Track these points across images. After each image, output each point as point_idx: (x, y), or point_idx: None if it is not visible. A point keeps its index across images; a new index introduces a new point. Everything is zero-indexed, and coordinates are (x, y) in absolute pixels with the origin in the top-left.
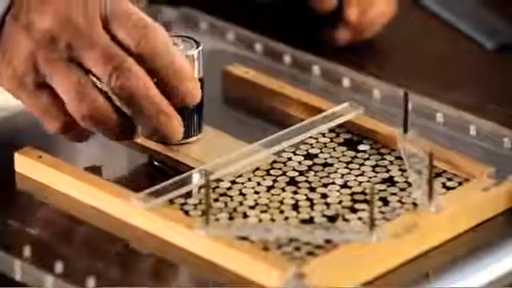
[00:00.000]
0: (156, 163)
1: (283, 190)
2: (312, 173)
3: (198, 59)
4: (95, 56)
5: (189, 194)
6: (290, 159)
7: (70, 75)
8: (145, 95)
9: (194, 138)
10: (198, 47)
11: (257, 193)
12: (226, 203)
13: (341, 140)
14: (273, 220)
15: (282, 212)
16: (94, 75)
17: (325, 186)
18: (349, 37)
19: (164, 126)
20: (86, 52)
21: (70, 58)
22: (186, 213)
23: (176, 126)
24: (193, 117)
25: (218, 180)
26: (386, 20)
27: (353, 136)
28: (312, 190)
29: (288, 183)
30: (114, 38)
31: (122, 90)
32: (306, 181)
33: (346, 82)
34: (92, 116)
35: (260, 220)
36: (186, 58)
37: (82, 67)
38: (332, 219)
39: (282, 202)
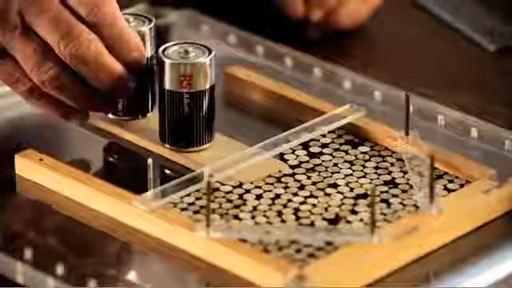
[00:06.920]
0: (166, 171)
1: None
2: (314, 175)
3: (211, 66)
4: (44, 23)
5: (189, 196)
6: (288, 159)
7: (27, 43)
8: (94, 61)
9: (205, 146)
10: (209, 54)
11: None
12: (220, 204)
13: (342, 142)
14: (270, 223)
15: (280, 215)
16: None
17: (328, 187)
18: (319, 35)
19: (117, 87)
20: (36, 19)
21: (23, 25)
22: (187, 213)
23: (128, 85)
24: (203, 125)
25: (218, 182)
26: (363, 16)
27: (354, 138)
28: (315, 191)
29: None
30: (66, 7)
31: (71, 58)
32: (310, 183)
33: (347, 84)
34: (51, 83)
35: (257, 223)
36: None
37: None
38: (333, 221)
39: (284, 205)
